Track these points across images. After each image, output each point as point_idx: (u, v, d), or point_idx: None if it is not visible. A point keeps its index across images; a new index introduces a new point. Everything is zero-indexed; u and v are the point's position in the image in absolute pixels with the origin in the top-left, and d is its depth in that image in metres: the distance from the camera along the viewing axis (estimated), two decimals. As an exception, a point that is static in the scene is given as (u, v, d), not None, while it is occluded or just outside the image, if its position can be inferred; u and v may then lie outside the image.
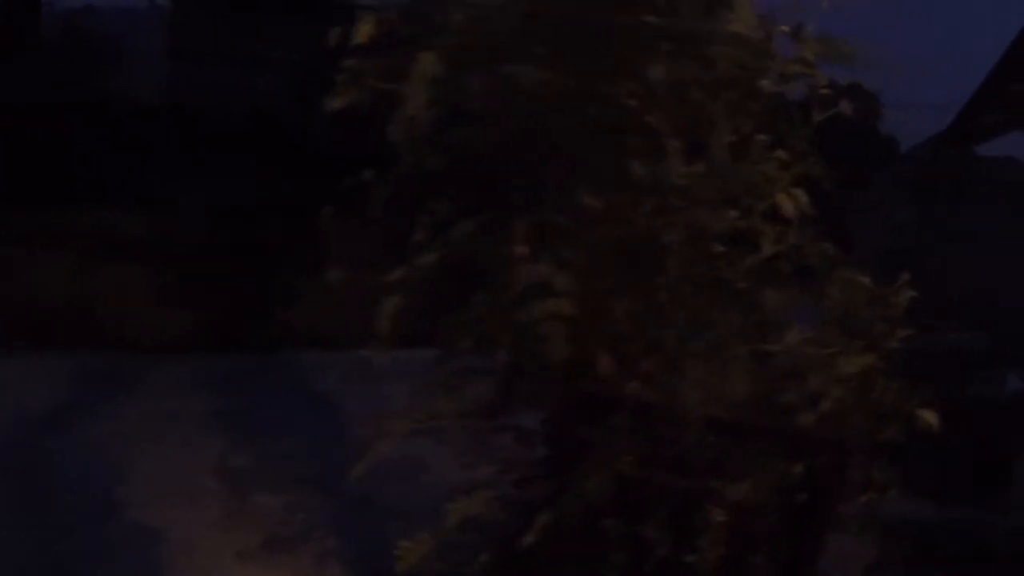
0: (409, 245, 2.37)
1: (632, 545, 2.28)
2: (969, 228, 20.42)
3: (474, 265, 2.44)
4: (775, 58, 2.45)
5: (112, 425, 5.92)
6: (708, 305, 2.40)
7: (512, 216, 2.38)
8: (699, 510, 2.29)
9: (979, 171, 21.13)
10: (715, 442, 2.28)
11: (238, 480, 5.13)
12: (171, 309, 8.63)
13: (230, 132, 11.47)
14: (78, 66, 13.63)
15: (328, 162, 6.21)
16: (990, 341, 12.78)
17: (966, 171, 21.18)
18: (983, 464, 8.60)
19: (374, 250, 2.39)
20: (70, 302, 8.49)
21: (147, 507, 4.50)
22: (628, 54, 2.27)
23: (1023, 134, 7.12)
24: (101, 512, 4.45)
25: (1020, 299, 14.85)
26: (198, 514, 4.49)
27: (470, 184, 2.53)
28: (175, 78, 15.02)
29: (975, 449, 9.07)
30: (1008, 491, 6.42)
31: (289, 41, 13.77)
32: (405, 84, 2.17)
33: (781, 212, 2.54)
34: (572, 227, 2.42)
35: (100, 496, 4.65)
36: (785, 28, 2.43)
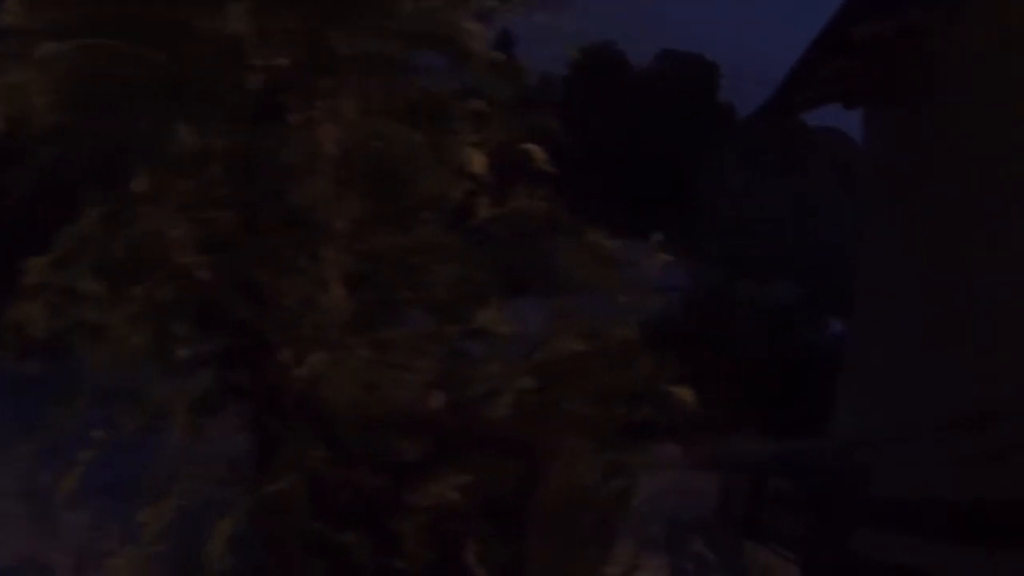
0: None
1: (332, 552, 2.13)
2: (796, 193, 22.42)
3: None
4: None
5: None
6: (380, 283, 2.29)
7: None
8: (400, 513, 2.17)
9: (808, 141, 23.11)
10: (410, 441, 2.18)
11: None
12: None
13: None
14: None
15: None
16: (813, 291, 14.29)
17: (795, 141, 23.09)
18: (813, 402, 9.51)
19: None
20: None
21: None
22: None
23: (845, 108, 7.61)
24: None
25: (840, 256, 16.47)
26: None
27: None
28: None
29: (805, 389, 10.04)
30: (833, 425, 7.03)
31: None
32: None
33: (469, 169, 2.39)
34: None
35: None
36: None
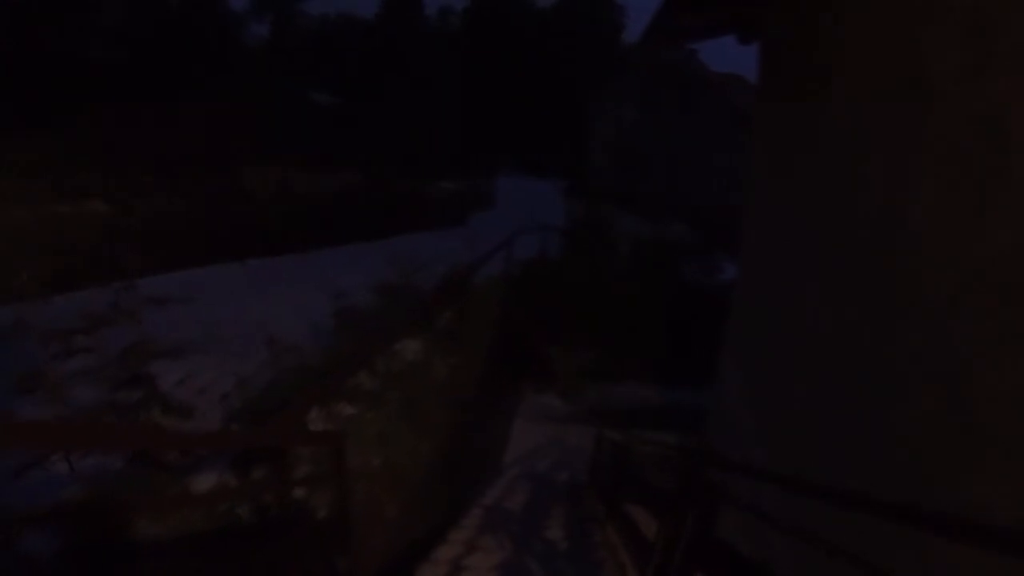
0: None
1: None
2: (685, 133, 22.41)
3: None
4: None
5: None
6: None
7: None
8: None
9: (706, 84, 22.95)
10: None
11: None
12: None
13: None
14: None
15: None
16: (703, 234, 14.14)
17: (691, 83, 22.88)
18: (700, 348, 9.27)
19: None
20: None
21: None
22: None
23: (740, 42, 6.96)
24: None
25: (725, 199, 16.44)
26: None
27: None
28: None
29: (692, 335, 9.80)
30: (716, 374, 6.67)
31: None
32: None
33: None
34: None
35: None
36: None
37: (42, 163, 7.71)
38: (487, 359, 7.39)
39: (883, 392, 3.03)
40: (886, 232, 3.20)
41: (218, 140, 9.98)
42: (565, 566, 4.34)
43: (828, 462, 3.58)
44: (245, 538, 2.97)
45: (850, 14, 3.89)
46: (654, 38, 6.83)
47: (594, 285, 10.28)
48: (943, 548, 2.04)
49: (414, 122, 19.13)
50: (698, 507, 3.84)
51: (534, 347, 9.76)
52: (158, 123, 9.16)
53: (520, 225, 11.00)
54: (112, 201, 8.07)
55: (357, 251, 10.91)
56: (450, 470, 5.73)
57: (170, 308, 6.23)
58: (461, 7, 38.25)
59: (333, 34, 26.37)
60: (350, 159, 13.37)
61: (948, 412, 2.49)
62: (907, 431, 2.77)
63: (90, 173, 7.93)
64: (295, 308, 6.48)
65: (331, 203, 11.98)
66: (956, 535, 1.59)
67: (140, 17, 10.54)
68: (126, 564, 2.32)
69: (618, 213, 14.90)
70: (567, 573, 4.24)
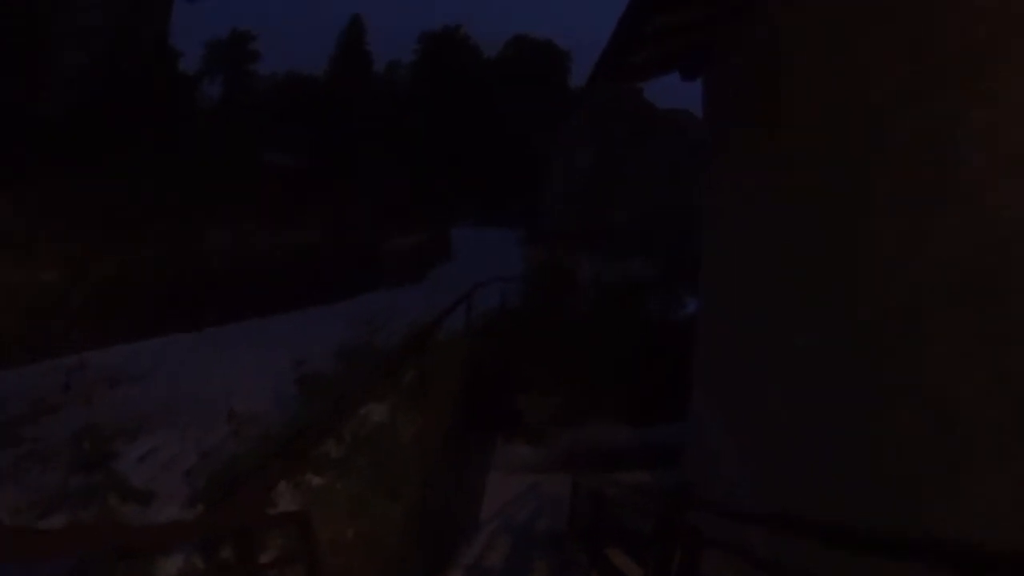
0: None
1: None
2: (639, 172, 22.98)
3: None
4: None
5: None
6: None
7: None
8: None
9: (655, 121, 23.66)
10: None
11: None
12: None
13: None
14: None
15: None
16: (663, 269, 14.35)
17: (641, 120, 23.55)
18: (667, 384, 9.29)
19: None
20: None
21: None
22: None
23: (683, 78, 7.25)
24: None
25: (686, 231, 16.75)
26: None
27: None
28: None
29: (658, 371, 9.84)
30: (688, 408, 6.69)
31: None
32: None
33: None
34: None
35: None
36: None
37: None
38: (455, 415, 7.29)
39: (856, 409, 3.06)
40: (840, 251, 3.29)
41: (172, 201, 9.83)
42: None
43: (808, 484, 3.58)
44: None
45: (795, 41, 4.07)
46: (601, 79, 7.04)
47: (556, 330, 10.31)
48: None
49: (368, 177, 19.20)
50: (680, 551, 3.80)
51: (501, 398, 9.68)
52: (111, 183, 8.98)
53: (479, 278, 11.04)
54: (62, 267, 7.83)
55: (317, 313, 10.80)
56: (426, 532, 5.58)
57: (127, 384, 6.03)
58: (408, 60, 39.01)
59: (284, 93, 26.53)
60: (306, 218, 13.31)
61: (923, 421, 2.51)
62: (884, 445, 2.79)
63: (37, 236, 7.69)
64: (256, 376, 6.34)
65: (288, 264, 11.87)
66: (949, 564, 1.56)
67: (92, 74, 10.42)
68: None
69: (576, 255, 15.06)
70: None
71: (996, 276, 2.12)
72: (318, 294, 12.08)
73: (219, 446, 4.72)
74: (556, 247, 16.25)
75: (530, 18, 51.20)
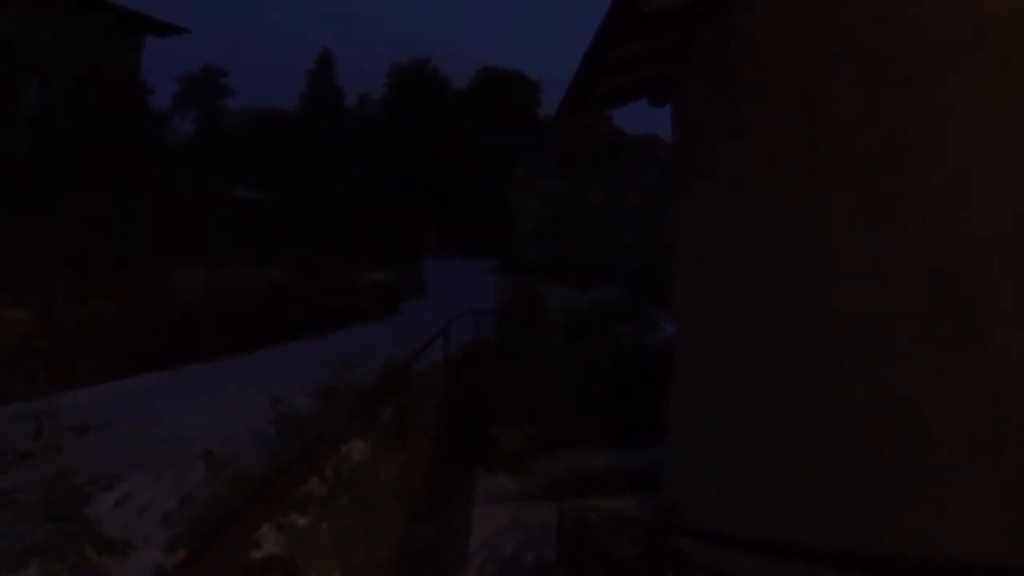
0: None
1: None
2: (608, 198, 23.22)
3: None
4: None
5: None
6: None
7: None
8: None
9: (624, 146, 23.98)
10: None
11: None
12: None
13: None
14: None
15: None
16: (635, 294, 14.48)
17: (610, 146, 23.89)
18: (645, 408, 9.33)
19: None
20: None
21: None
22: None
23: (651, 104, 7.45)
24: None
25: (657, 256, 16.95)
26: None
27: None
28: None
29: (634, 396, 9.89)
30: (666, 430, 6.75)
31: None
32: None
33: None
34: None
35: None
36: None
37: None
38: (436, 449, 7.25)
39: (830, 427, 3.11)
40: (808, 269, 3.38)
41: (143, 240, 9.69)
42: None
43: (788, 503, 3.62)
44: None
45: (755, 65, 4.21)
46: (570, 108, 7.19)
47: (531, 359, 10.32)
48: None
49: (340, 211, 19.17)
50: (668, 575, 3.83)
51: (480, 430, 9.65)
52: (78, 221, 8.83)
53: (454, 310, 11.05)
54: (29, 308, 7.65)
55: (291, 351, 10.67)
56: (412, 570, 5.50)
57: (99, 429, 5.88)
58: (378, 95, 39.12)
59: (256, 128, 26.43)
60: (278, 255, 13.20)
61: (895, 436, 2.56)
62: (859, 462, 2.83)
63: (6, 276, 7.52)
64: (233, 417, 6.24)
65: (260, 301, 11.74)
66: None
67: (58, 111, 10.30)
68: None
69: (548, 284, 15.14)
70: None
71: (961, 288, 2.19)
72: (292, 331, 11.94)
73: (197, 489, 4.63)
74: (527, 277, 16.33)
75: (499, 50, 51.91)
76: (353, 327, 13.67)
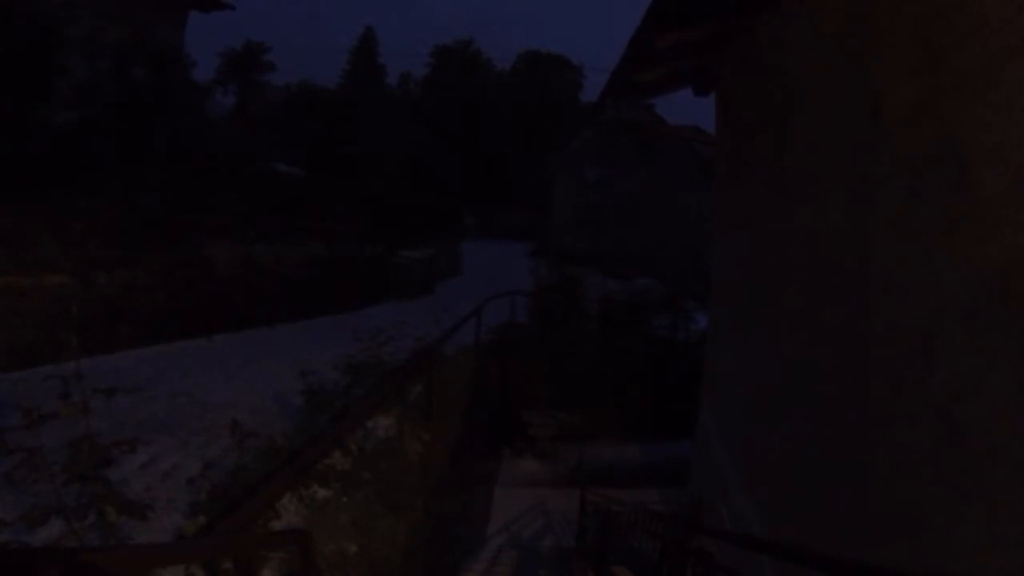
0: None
1: None
2: (647, 187, 22.91)
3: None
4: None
5: None
6: None
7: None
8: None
9: (665, 136, 23.56)
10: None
11: None
12: None
13: None
14: None
15: None
16: (671, 286, 14.27)
17: (650, 135, 23.49)
18: (676, 400, 9.23)
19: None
20: None
21: None
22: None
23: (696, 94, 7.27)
24: None
25: (693, 247, 16.65)
26: None
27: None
28: None
29: (667, 388, 9.77)
30: (695, 425, 6.63)
31: None
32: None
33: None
34: None
35: None
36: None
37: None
38: (463, 429, 7.23)
39: (866, 431, 2.97)
40: (851, 271, 3.21)
41: (183, 211, 9.86)
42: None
43: (814, 508, 3.50)
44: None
45: (805, 58, 4.02)
46: (613, 96, 7.02)
47: (565, 346, 10.26)
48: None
49: (378, 189, 19.25)
50: (691, 574, 3.72)
51: (509, 413, 9.64)
52: (121, 193, 9.02)
53: (487, 292, 11.00)
54: (73, 274, 7.83)
55: (324, 324, 10.76)
56: (431, 549, 5.50)
57: (129, 393, 5.98)
58: (420, 75, 39.29)
59: (297, 104, 26.68)
60: (315, 230, 13.33)
61: (933, 444, 2.41)
62: (894, 469, 2.70)
63: (50, 244, 7.70)
64: (263, 387, 6.29)
65: (296, 275, 11.87)
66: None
67: (104, 84, 10.48)
68: None
69: (585, 271, 14.99)
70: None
71: (1015, 294, 2.02)
72: (326, 305, 12.06)
73: (222, 456, 4.67)
74: (564, 262, 16.20)
75: (543, 35, 51.53)
76: (387, 304, 13.76)
